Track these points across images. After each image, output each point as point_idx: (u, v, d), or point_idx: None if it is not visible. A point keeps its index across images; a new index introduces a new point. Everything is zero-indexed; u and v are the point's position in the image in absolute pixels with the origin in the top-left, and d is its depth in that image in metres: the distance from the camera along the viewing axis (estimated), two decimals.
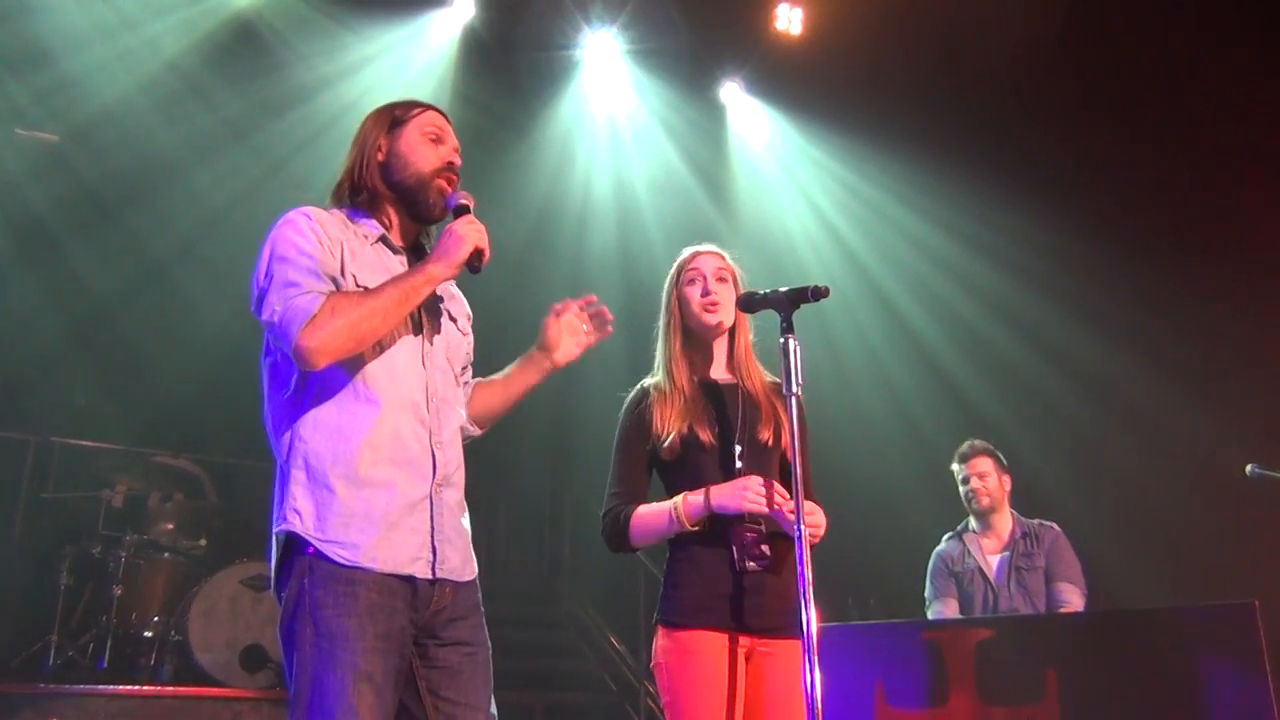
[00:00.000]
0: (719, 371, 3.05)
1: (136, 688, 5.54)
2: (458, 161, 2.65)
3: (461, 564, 2.48)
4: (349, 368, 2.38)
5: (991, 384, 7.31)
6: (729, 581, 2.79)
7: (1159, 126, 6.73)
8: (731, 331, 3.06)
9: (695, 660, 2.75)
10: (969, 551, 4.84)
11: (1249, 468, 4.97)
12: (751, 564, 2.79)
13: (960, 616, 4.72)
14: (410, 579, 2.35)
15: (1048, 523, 4.85)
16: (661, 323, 3.10)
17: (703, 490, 2.80)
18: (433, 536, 2.40)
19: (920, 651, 3.92)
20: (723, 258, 3.10)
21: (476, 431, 2.82)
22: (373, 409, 2.38)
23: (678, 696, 2.74)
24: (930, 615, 4.84)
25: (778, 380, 2.97)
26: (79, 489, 6.76)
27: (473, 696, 2.41)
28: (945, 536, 5.02)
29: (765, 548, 2.80)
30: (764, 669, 2.79)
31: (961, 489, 4.95)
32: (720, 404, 2.96)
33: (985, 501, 4.84)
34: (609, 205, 8.16)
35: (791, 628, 2.75)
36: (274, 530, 2.36)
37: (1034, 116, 7.17)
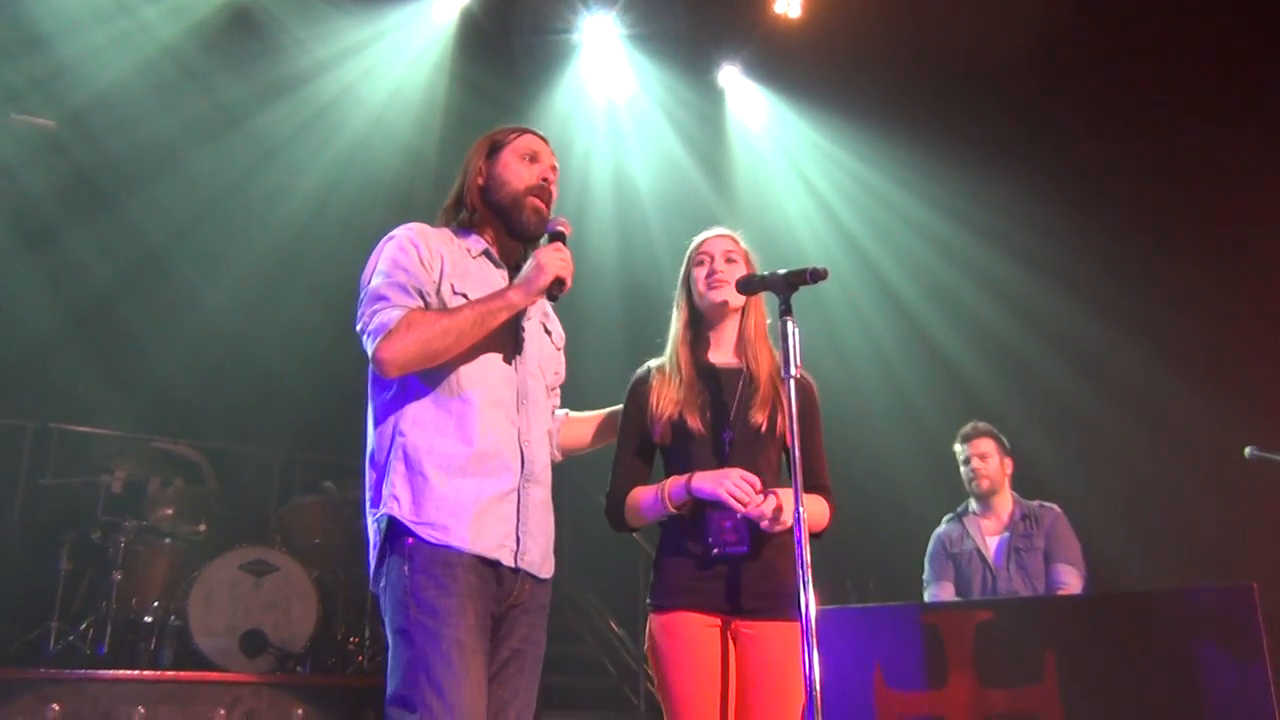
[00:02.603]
0: (725, 355, 3.06)
1: (137, 672, 5.55)
2: (552, 178, 2.83)
3: (541, 559, 2.64)
4: (446, 369, 2.56)
5: (991, 367, 7.30)
6: (705, 563, 2.82)
7: (1163, 108, 6.70)
8: (743, 313, 3.06)
9: (680, 641, 2.79)
10: (968, 533, 4.85)
11: (1247, 450, 4.95)
12: (719, 549, 2.79)
13: (957, 598, 4.74)
14: (496, 566, 2.51)
15: (1048, 504, 4.86)
16: (675, 304, 3.12)
17: (685, 476, 2.84)
18: (518, 527, 2.57)
19: (919, 634, 3.95)
20: (734, 240, 3.11)
21: (558, 457, 2.95)
22: (465, 406, 2.56)
23: (666, 677, 2.78)
24: (927, 597, 4.86)
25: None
26: (78, 475, 6.73)
27: (512, 692, 2.56)
28: (945, 518, 5.04)
29: (741, 534, 2.80)
30: (749, 650, 2.81)
31: (963, 470, 4.96)
32: (718, 389, 2.97)
33: (985, 484, 4.86)
34: (607, 189, 8.13)
35: (776, 609, 2.80)
36: (373, 518, 2.54)
37: (1036, 99, 7.14)
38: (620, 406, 3.09)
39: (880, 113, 7.51)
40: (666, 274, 3.19)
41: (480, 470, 2.53)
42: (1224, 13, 6.41)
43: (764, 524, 2.73)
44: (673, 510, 2.84)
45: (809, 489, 2.82)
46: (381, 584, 2.49)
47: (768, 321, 3.08)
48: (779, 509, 2.73)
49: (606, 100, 8.05)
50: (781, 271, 2.79)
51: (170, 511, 6.56)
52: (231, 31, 6.87)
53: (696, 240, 3.14)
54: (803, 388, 2.99)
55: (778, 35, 7.61)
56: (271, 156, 7.35)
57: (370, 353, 2.50)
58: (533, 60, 7.57)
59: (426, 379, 2.56)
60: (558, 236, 2.70)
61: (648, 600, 2.91)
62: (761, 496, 2.75)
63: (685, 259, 3.13)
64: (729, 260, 3.03)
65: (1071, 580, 4.61)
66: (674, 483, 2.85)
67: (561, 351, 2.94)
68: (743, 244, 3.11)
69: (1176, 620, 3.76)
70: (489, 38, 7.44)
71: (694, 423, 2.89)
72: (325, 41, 7.13)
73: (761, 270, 3.00)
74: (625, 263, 7.89)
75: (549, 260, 2.59)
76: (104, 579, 6.08)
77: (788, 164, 8.42)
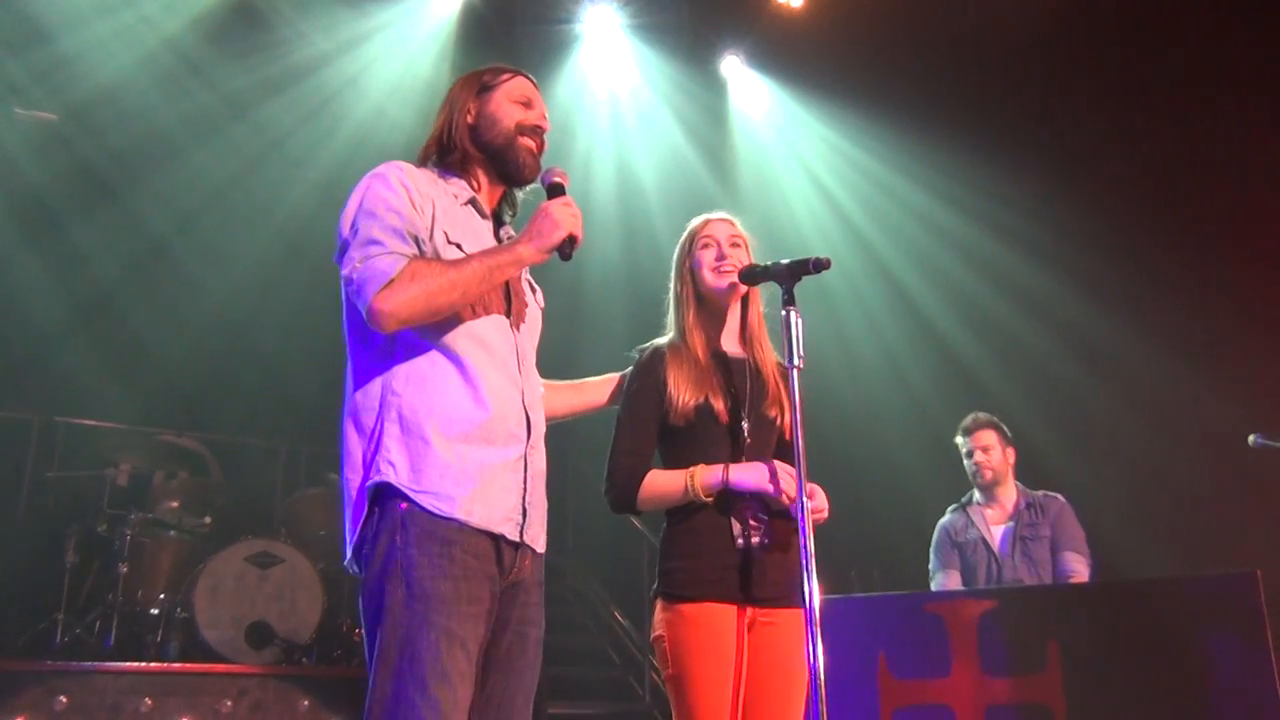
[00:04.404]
0: (731, 343, 3.05)
1: (143, 665, 5.53)
2: (545, 126, 2.64)
3: (541, 531, 2.48)
4: (444, 323, 2.35)
5: (995, 357, 7.28)
6: (730, 553, 2.81)
7: (1167, 98, 6.67)
8: (744, 302, 3.06)
9: (698, 631, 2.76)
10: (973, 522, 4.87)
11: (1251, 438, 4.93)
12: (744, 541, 2.81)
13: (963, 588, 4.75)
14: (498, 542, 2.33)
15: (1052, 493, 4.88)
16: (674, 291, 3.08)
17: (720, 465, 2.82)
18: (524, 499, 2.39)
19: (923, 623, 3.95)
20: (734, 224, 3.10)
21: None
22: (467, 366, 2.35)
23: (681, 668, 2.75)
24: (933, 587, 4.87)
25: (780, 360, 3.00)
26: (83, 468, 6.73)
27: (516, 678, 2.39)
28: (949, 508, 5.04)
29: (766, 526, 2.83)
30: (765, 638, 2.82)
31: (966, 462, 4.97)
32: (732, 377, 2.97)
33: (989, 475, 4.87)
34: (610, 180, 8.13)
35: (791, 597, 2.79)
36: (362, 484, 2.30)
37: (1040, 88, 7.12)
38: (614, 375, 3.09)
39: (884, 102, 7.48)
40: (670, 265, 3.18)
41: (488, 437, 2.33)
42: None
43: (815, 516, 2.73)
44: (704, 499, 2.81)
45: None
46: (364, 554, 2.27)
47: (764, 310, 3.08)
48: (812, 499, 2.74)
49: (609, 91, 8.04)
50: (784, 261, 2.79)
51: (175, 504, 6.53)
52: (233, 24, 6.86)
53: (695, 224, 3.12)
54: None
55: (780, 25, 7.61)
56: (274, 148, 7.34)
57: (365, 304, 2.24)
58: (534, 51, 7.54)
59: (422, 333, 2.34)
60: (557, 189, 2.50)
61: (657, 589, 2.89)
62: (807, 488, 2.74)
63: (684, 242, 3.10)
64: (733, 245, 3.02)
65: (1080, 568, 4.63)
66: (708, 472, 2.82)
67: (541, 313, 2.76)
68: (741, 228, 3.10)
69: (1180, 608, 3.77)
70: (491, 28, 7.45)
71: (719, 407, 2.88)
72: (327, 33, 7.13)
73: (761, 258, 2.99)
74: (628, 254, 7.87)
75: (561, 215, 2.39)
76: (110, 572, 6.07)
77: (790, 154, 8.40)
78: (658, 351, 3.00)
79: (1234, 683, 3.56)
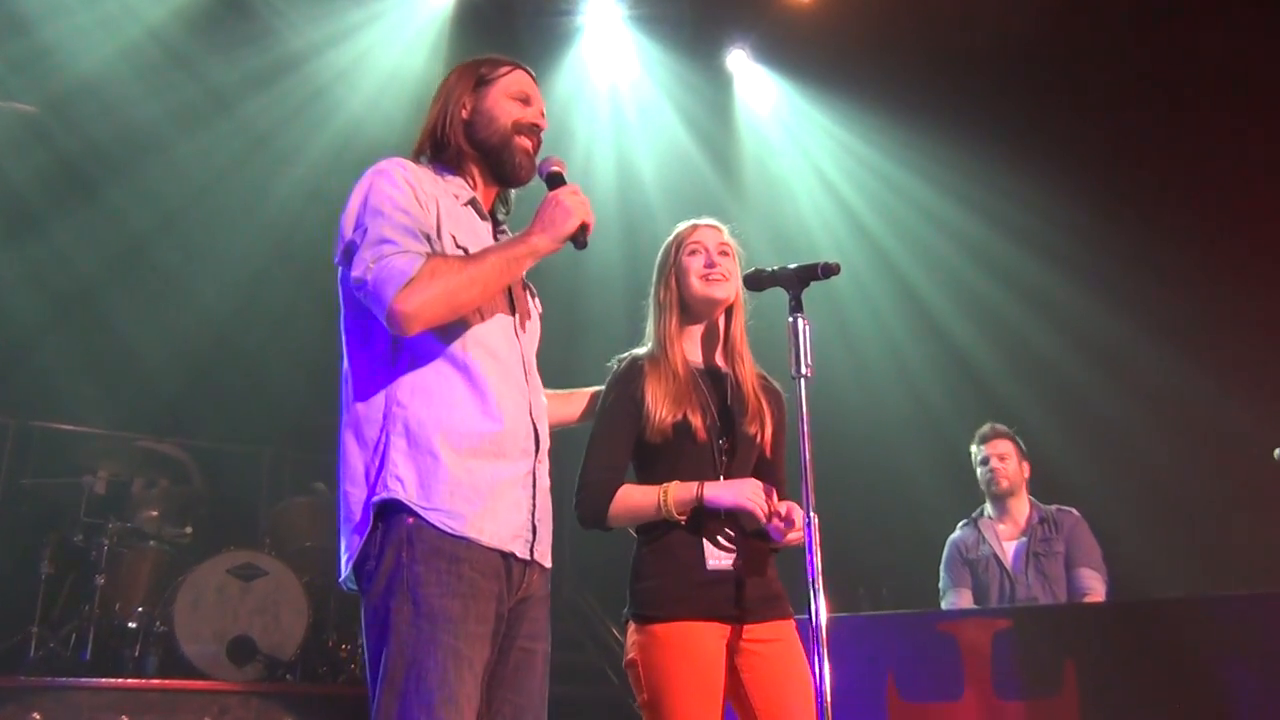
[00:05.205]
0: (712, 355, 2.99)
1: (121, 680, 5.53)
2: (543, 124, 2.60)
3: (548, 548, 2.43)
4: (448, 332, 2.29)
5: (1010, 367, 7.22)
6: (703, 571, 2.75)
7: (1185, 99, 6.60)
8: (728, 313, 2.99)
9: (672, 653, 2.69)
10: (984, 538, 4.84)
11: (1277, 451, 4.87)
12: (718, 563, 2.76)
13: (975, 606, 4.71)
14: (507, 559, 2.28)
15: (1066, 508, 4.85)
16: (656, 298, 3.02)
17: (694, 483, 2.75)
18: (533, 515, 2.36)
19: (933, 643, 3.94)
20: (723, 232, 3.04)
21: None
22: (475, 375, 2.30)
23: (656, 693, 2.68)
24: (944, 605, 4.83)
25: (762, 374, 3.00)
26: (60, 475, 6.70)
27: (527, 697, 2.34)
28: (960, 524, 5.01)
29: (740, 547, 2.79)
30: (756, 653, 2.75)
31: (979, 470, 4.93)
32: (712, 392, 2.90)
33: (1004, 484, 4.83)
34: (610, 177, 8.08)
35: (774, 610, 2.77)
36: (366, 500, 2.23)
37: (1056, 85, 7.03)
38: (587, 390, 3.01)
39: (895, 99, 7.39)
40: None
41: (499, 451, 2.29)
42: None
43: (788, 536, 2.70)
44: (677, 518, 2.74)
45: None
46: (368, 570, 2.21)
47: (750, 323, 3.04)
48: (791, 520, 2.70)
49: (610, 85, 7.96)
50: (792, 266, 2.76)
51: (155, 513, 6.51)
52: (219, 13, 6.78)
53: (682, 229, 3.06)
54: (778, 396, 3.01)
55: (788, 17, 7.51)
56: (262, 143, 7.24)
57: (385, 306, 2.17)
58: (533, 43, 7.44)
59: (425, 340, 2.29)
60: (557, 178, 2.46)
61: (628, 611, 2.82)
62: (784, 507, 2.73)
63: (669, 247, 3.04)
64: (722, 253, 2.97)
65: (1096, 585, 4.61)
66: (681, 489, 2.75)
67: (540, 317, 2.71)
68: (729, 236, 3.05)
69: (1203, 629, 3.74)
70: (488, 19, 7.35)
71: (697, 424, 2.81)
72: (318, 23, 7.02)
73: (767, 260, 2.92)
74: (628, 253, 7.79)
75: (572, 203, 2.35)
76: (86, 583, 6.04)
77: (798, 152, 8.32)
78: (635, 363, 2.93)
79: (1259, 706, 3.50)
